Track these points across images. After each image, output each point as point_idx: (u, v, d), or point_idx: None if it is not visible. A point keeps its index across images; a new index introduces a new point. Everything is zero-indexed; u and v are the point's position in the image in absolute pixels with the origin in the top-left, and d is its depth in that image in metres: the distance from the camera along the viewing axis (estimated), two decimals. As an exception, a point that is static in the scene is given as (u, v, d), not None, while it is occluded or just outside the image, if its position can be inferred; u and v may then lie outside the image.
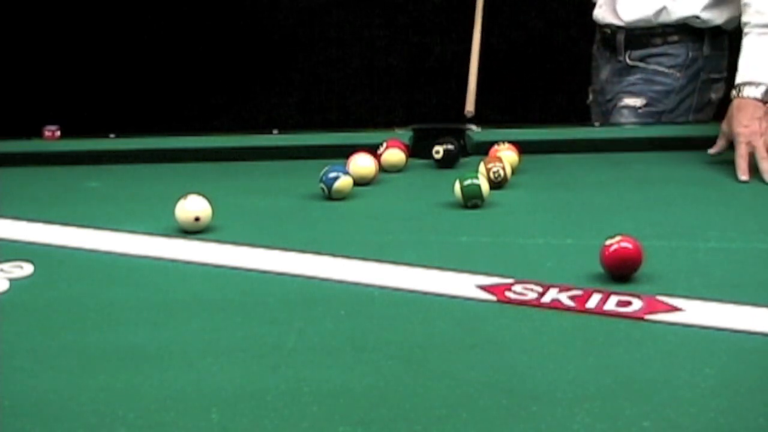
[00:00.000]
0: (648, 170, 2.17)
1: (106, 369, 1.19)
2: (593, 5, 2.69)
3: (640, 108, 2.55)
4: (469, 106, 2.66)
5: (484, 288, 1.42)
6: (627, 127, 2.55)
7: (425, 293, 1.43)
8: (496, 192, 1.95)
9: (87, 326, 1.34)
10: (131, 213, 1.91)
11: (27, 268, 1.55)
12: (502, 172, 1.99)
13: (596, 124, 2.48)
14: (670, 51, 2.54)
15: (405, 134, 2.31)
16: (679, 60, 2.53)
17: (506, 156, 2.09)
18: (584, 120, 2.76)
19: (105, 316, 1.37)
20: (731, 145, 2.15)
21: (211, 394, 1.11)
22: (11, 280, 1.50)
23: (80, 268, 1.59)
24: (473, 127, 2.39)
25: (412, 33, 4.30)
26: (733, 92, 2.19)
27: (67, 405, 1.10)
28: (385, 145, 2.19)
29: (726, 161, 2.16)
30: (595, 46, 2.76)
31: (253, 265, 1.56)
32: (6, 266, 1.55)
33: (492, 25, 2.89)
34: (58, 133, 2.37)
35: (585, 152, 2.30)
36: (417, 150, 2.26)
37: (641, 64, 2.57)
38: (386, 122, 2.48)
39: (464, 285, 1.44)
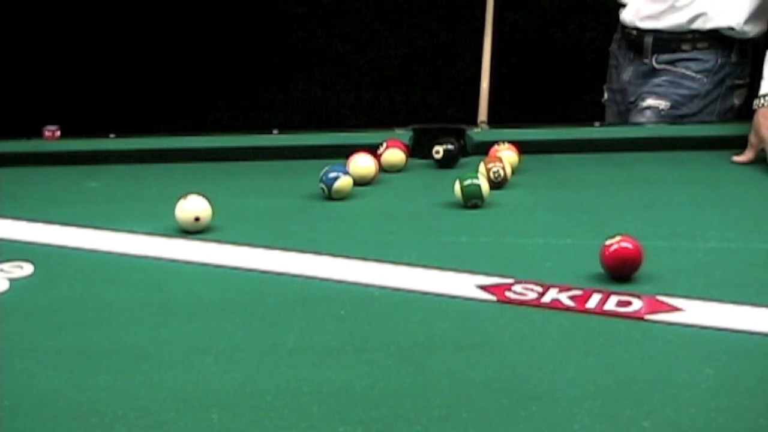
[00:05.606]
0: (648, 170, 2.17)
1: (106, 369, 1.19)
2: (615, 5, 2.69)
3: (663, 110, 2.55)
4: (482, 116, 2.67)
5: (484, 288, 1.42)
6: (627, 127, 2.55)
7: (425, 293, 1.43)
8: (496, 192, 1.95)
9: (87, 326, 1.34)
10: (131, 213, 1.91)
11: (27, 268, 1.55)
12: (502, 172, 1.99)
13: (596, 124, 2.48)
14: (700, 56, 2.54)
15: (405, 134, 2.31)
16: (708, 65, 2.54)
17: (506, 156, 2.09)
18: (600, 119, 2.76)
19: (105, 316, 1.37)
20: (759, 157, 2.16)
21: (211, 394, 1.11)
22: (11, 280, 1.50)
23: (80, 268, 1.59)
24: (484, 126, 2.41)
25: (413, 32, 4.30)
26: (756, 102, 2.20)
27: (67, 405, 1.10)
28: (385, 145, 2.19)
29: (726, 160, 2.17)
30: (615, 45, 2.75)
31: (253, 265, 1.56)
32: (6, 266, 1.55)
33: (501, 27, 2.89)
34: (58, 133, 2.37)
35: (585, 152, 2.30)
36: (417, 150, 2.26)
37: (669, 67, 2.57)
38: (386, 122, 2.47)
39: (464, 285, 1.44)
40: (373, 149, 2.15)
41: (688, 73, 2.54)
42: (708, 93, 2.55)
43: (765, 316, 1.32)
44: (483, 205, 1.88)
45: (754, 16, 2.49)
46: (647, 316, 1.31)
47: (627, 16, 2.64)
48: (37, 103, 3.88)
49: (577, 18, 4.10)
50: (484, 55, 2.79)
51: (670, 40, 2.56)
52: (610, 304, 1.35)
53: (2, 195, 1.99)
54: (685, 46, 2.55)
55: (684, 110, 2.56)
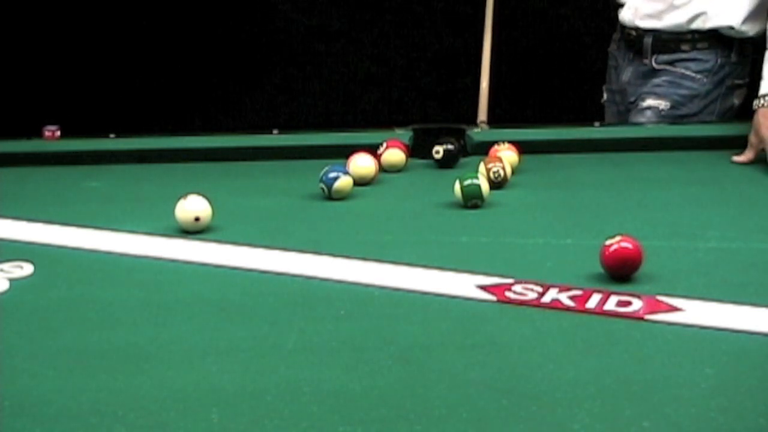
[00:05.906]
0: (648, 170, 2.17)
1: (106, 369, 1.19)
2: (615, 5, 2.69)
3: (663, 110, 2.55)
4: (482, 116, 2.67)
5: (484, 288, 1.42)
6: (627, 127, 2.55)
7: (425, 293, 1.43)
8: (496, 192, 1.95)
9: (87, 326, 1.34)
10: (131, 213, 1.91)
11: (27, 268, 1.55)
12: (502, 172, 1.99)
13: (596, 124, 2.48)
14: (699, 56, 2.54)
15: (405, 134, 2.31)
16: (708, 65, 2.54)
17: (506, 156, 2.09)
18: (600, 119, 2.75)
19: (105, 316, 1.37)
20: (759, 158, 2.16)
21: (211, 394, 1.11)
22: (11, 280, 1.50)
23: (80, 268, 1.59)
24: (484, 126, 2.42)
25: (413, 32, 4.30)
26: (756, 102, 2.20)
27: (67, 405, 1.10)
28: (385, 145, 2.19)
29: (726, 160, 2.17)
30: (614, 45, 2.74)
31: (253, 265, 1.56)
32: (6, 266, 1.55)
33: (501, 27, 2.89)
34: (58, 133, 2.37)
35: (585, 152, 2.30)
36: (417, 150, 2.26)
37: (668, 68, 2.57)
38: (386, 122, 2.47)
39: (464, 285, 1.44)
40: (373, 149, 2.15)
41: (688, 73, 2.54)
42: (708, 93, 2.55)
43: (765, 316, 1.32)
44: (483, 205, 1.88)
45: (753, 15, 2.49)
46: (647, 316, 1.31)
47: (626, 15, 2.64)
48: (37, 103, 3.88)
49: (577, 18, 4.10)
50: (483, 55, 2.80)
51: (670, 41, 2.56)
52: (610, 304, 1.35)
53: (2, 195, 1.99)
54: (684, 47, 2.55)
55: (684, 110, 2.56)
